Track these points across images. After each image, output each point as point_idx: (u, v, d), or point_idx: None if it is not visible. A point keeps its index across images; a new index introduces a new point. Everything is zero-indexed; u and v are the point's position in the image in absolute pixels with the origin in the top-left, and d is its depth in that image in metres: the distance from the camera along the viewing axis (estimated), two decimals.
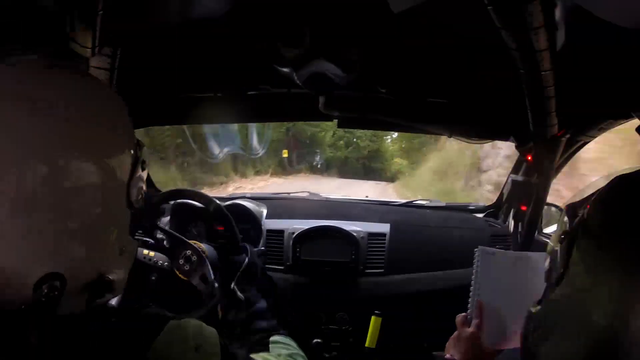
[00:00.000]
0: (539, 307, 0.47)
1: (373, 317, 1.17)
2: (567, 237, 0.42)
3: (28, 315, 0.40)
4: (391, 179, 14.49)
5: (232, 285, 0.92)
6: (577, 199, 0.45)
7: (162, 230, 1.16)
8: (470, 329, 0.77)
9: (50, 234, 0.41)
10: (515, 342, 0.77)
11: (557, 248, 0.44)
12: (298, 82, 1.01)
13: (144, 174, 0.50)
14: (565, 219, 0.44)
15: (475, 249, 0.86)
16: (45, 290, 0.41)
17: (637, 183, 0.40)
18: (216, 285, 1.11)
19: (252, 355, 0.58)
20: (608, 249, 0.38)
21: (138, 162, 0.49)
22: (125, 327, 0.48)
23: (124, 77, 0.96)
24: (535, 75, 0.83)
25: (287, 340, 0.75)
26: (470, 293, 0.82)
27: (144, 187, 0.51)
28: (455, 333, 0.79)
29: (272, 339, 0.73)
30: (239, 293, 0.91)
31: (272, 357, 0.64)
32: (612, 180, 0.41)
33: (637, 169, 0.41)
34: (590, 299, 0.38)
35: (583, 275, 0.40)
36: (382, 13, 0.81)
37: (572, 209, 0.44)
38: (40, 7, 0.76)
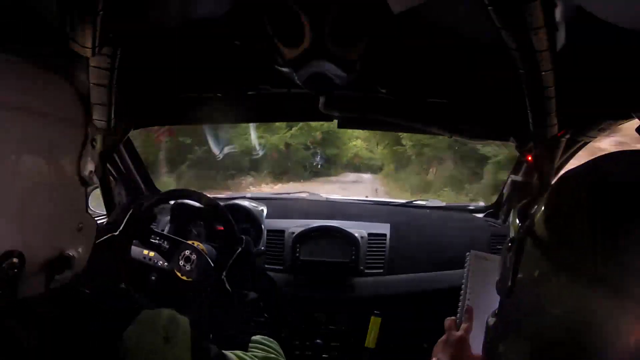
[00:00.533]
0: (494, 319, 0.46)
1: (373, 317, 1.17)
2: (515, 244, 0.40)
3: None
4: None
5: (223, 275, 0.91)
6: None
7: (158, 235, 1.16)
8: (459, 333, 0.77)
9: (5, 214, 0.42)
10: None
11: (506, 257, 0.42)
12: (298, 82, 1.01)
13: (95, 151, 0.52)
14: (517, 222, 0.43)
15: (467, 253, 0.86)
16: (5, 267, 0.41)
17: (577, 180, 0.38)
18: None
19: (226, 352, 0.59)
20: (553, 255, 0.36)
21: (87, 139, 0.50)
22: (97, 316, 0.49)
23: (124, 77, 0.96)
24: (535, 75, 0.83)
25: (269, 342, 0.75)
26: (460, 297, 0.82)
27: (96, 163, 0.52)
28: (444, 336, 0.79)
29: (253, 338, 0.72)
30: (227, 284, 0.91)
31: (246, 357, 0.64)
32: (556, 180, 0.40)
33: (582, 164, 0.39)
34: (539, 313, 0.36)
35: (532, 284, 0.38)
36: (382, 13, 0.81)
37: (523, 211, 0.43)
38: (40, 7, 0.76)
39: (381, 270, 1.41)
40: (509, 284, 0.41)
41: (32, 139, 0.44)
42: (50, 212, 0.46)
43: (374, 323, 1.16)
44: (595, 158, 0.40)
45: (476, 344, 0.77)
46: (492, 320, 0.47)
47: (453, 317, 0.81)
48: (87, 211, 0.52)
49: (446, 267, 1.43)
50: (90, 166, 0.51)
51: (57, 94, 0.49)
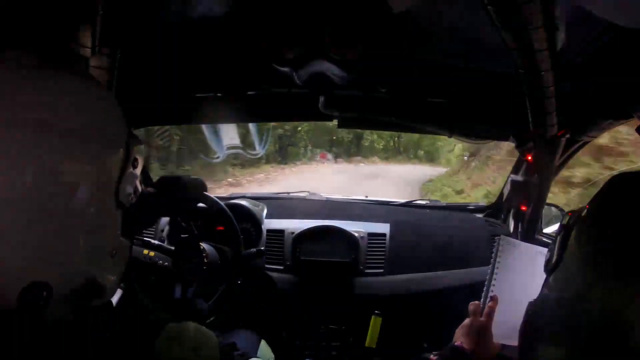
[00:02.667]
0: (536, 300, 0.49)
1: (373, 317, 1.17)
2: (564, 229, 0.44)
3: (13, 320, 0.39)
4: None
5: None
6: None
7: (177, 227, 1.17)
8: (483, 319, 0.76)
9: (34, 240, 0.40)
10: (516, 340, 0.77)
11: (556, 239, 0.46)
12: (298, 82, 1.01)
13: (137, 172, 0.48)
14: (567, 217, 0.46)
15: (497, 237, 0.84)
16: (30, 298, 0.39)
17: (633, 181, 0.41)
18: (204, 306, 1.12)
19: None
20: (603, 240, 0.39)
21: (129, 160, 0.47)
22: (126, 330, 0.47)
23: (124, 77, 0.96)
24: (535, 75, 0.83)
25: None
26: (486, 282, 0.81)
27: (138, 185, 0.49)
28: (467, 321, 0.78)
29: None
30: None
31: None
32: (611, 179, 0.42)
33: (637, 169, 0.42)
34: (584, 290, 0.39)
35: (576, 263, 0.41)
36: (382, 13, 0.81)
37: (572, 211, 0.47)
38: (40, 7, 0.76)
39: (381, 270, 1.41)
40: (556, 259, 0.45)
41: (69, 160, 0.41)
42: (84, 240, 0.43)
43: (375, 323, 1.16)
44: None
45: (497, 332, 0.76)
46: (531, 304, 0.50)
47: (477, 302, 0.80)
48: (121, 235, 0.49)
49: (446, 267, 1.43)
50: (129, 188, 0.47)
51: (96, 111, 0.45)
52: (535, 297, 0.51)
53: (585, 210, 0.43)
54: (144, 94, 1.18)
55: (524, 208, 1.36)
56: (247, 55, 1.04)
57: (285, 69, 0.98)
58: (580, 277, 0.40)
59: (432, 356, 0.71)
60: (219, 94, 1.23)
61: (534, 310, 0.48)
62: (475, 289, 1.39)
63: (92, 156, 0.43)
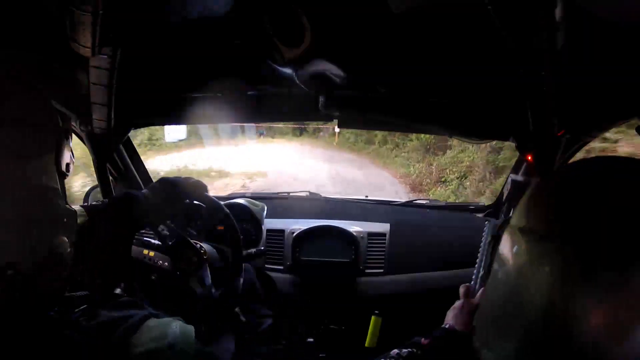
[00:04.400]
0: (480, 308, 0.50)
1: (373, 317, 1.17)
2: (493, 239, 0.45)
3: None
4: None
5: (237, 309, 0.90)
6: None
7: (168, 228, 1.16)
8: (474, 301, 0.77)
9: None
10: None
11: (486, 249, 0.47)
12: (298, 82, 1.01)
13: (70, 140, 0.51)
14: (490, 226, 0.47)
15: (487, 221, 0.85)
16: (4, 284, 0.40)
17: (557, 183, 0.43)
18: (213, 290, 1.11)
19: None
20: (530, 238, 0.40)
21: (62, 136, 0.49)
22: (105, 322, 0.48)
23: (124, 77, 0.96)
24: (535, 75, 0.83)
25: None
26: (476, 265, 0.82)
27: (72, 156, 0.51)
28: (457, 303, 0.79)
29: None
30: (242, 316, 0.90)
31: None
32: (535, 182, 0.45)
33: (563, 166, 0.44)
34: (517, 288, 0.40)
35: (507, 266, 0.43)
36: (382, 12, 0.81)
37: (496, 222, 0.49)
38: (40, 7, 0.76)
39: (381, 270, 1.41)
40: (487, 271, 0.46)
41: (7, 145, 0.43)
42: (35, 212, 0.45)
43: (375, 323, 1.16)
44: (577, 161, 0.43)
45: None
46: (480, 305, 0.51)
47: (468, 284, 0.80)
48: (66, 203, 0.50)
49: (446, 267, 1.43)
50: (67, 157, 0.50)
51: (25, 100, 0.47)
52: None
53: (512, 217, 0.44)
54: (144, 94, 1.18)
55: None
56: (247, 55, 1.04)
57: (285, 69, 0.98)
58: (512, 275, 0.41)
59: (423, 340, 0.70)
60: (219, 94, 1.23)
61: (477, 320, 0.49)
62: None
63: (24, 139, 0.45)
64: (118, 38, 0.86)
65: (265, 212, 1.47)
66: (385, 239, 1.44)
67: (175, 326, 0.53)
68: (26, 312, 0.43)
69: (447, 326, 0.75)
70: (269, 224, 1.47)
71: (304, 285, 1.41)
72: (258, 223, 1.44)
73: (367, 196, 1.87)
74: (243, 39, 0.97)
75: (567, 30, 0.75)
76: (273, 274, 1.40)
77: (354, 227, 1.44)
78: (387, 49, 0.97)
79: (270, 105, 1.32)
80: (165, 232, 1.14)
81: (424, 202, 1.79)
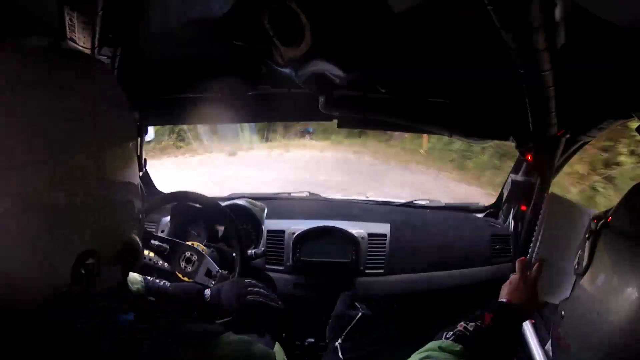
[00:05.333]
0: (567, 299, 0.51)
1: None
2: (592, 235, 0.47)
3: (68, 299, 0.40)
4: None
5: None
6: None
7: (157, 238, 1.16)
8: (532, 274, 0.77)
9: (77, 216, 0.41)
10: (561, 297, 0.74)
11: (585, 244, 0.49)
12: (298, 82, 1.01)
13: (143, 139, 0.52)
14: (592, 222, 0.50)
15: (546, 193, 0.84)
16: (85, 275, 0.41)
17: None
18: (224, 272, 1.11)
19: None
20: (631, 244, 0.42)
21: (142, 129, 0.50)
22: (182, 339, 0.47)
23: (124, 77, 0.96)
24: (535, 75, 0.83)
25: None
26: (533, 238, 0.81)
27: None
28: (513, 277, 0.79)
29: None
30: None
31: None
32: (633, 187, 0.45)
33: None
34: (615, 289, 0.41)
35: (607, 266, 0.44)
36: (383, 13, 0.81)
37: (596, 216, 0.50)
38: (40, 8, 0.76)
39: (381, 270, 1.41)
40: (586, 263, 0.47)
41: (91, 124, 0.43)
42: (118, 204, 0.46)
43: None
44: None
45: (540, 290, 0.76)
46: (563, 304, 0.52)
47: (524, 257, 0.80)
48: (141, 199, 0.52)
49: (446, 267, 1.43)
50: (143, 153, 0.52)
51: (104, 79, 0.48)
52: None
53: (611, 217, 0.45)
54: (144, 94, 1.18)
55: (524, 208, 1.36)
56: (247, 55, 1.04)
57: (285, 69, 0.98)
58: (611, 279, 0.42)
59: (487, 314, 0.71)
60: (219, 94, 1.23)
61: (566, 310, 0.50)
62: (476, 289, 1.41)
63: (113, 120, 0.46)
64: (118, 38, 0.86)
65: (265, 212, 1.47)
66: (385, 240, 1.44)
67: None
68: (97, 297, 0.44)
69: (504, 300, 0.75)
70: (269, 224, 1.47)
71: (304, 286, 1.41)
72: (258, 223, 1.44)
73: (367, 196, 1.87)
74: (243, 39, 0.97)
75: (567, 30, 0.75)
76: (273, 275, 1.40)
77: (354, 227, 1.43)
78: (387, 48, 0.97)
79: (270, 105, 1.32)
80: (158, 243, 1.15)
81: (424, 202, 1.79)
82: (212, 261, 1.13)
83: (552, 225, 0.80)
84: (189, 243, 1.17)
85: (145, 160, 0.52)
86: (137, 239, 0.49)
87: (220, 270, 1.12)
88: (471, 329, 0.68)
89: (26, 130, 0.38)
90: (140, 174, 0.51)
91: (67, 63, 0.44)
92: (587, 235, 0.48)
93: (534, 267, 0.78)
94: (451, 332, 0.68)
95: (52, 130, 0.39)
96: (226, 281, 1.01)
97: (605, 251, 0.45)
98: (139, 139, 0.50)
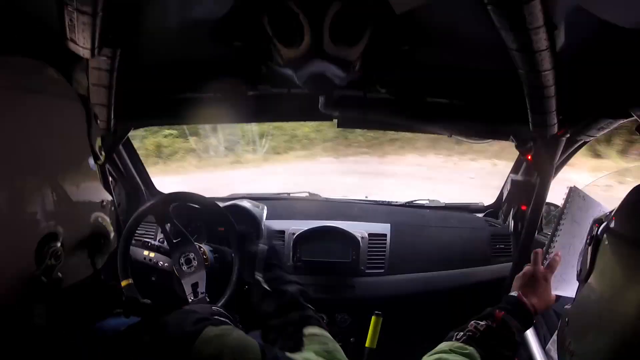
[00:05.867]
0: (570, 304, 0.51)
1: (373, 317, 1.16)
2: (593, 240, 0.46)
3: (34, 289, 0.39)
4: None
5: (257, 276, 0.88)
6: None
7: (175, 227, 1.16)
8: (545, 269, 0.76)
9: (35, 198, 0.41)
10: (572, 292, 0.78)
11: (587, 250, 0.48)
12: (298, 82, 1.01)
13: (98, 126, 0.53)
14: (594, 227, 0.49)
15: (568, 186, 0.84)
16: (48, 258, 0.41)
17: None
18: (207, 299, 1.10)
19: (290, 355, 0.56)
20: (633, 248, 0.41)
21: (91, 116, 0.50)
22: (162, 335, 0.46)
23: (123, 77, 0.96)
24: (535, 75, 0.83)
25: (320, 331, 0.72)
26: (552, 231, 0.81)
27: (99, 139, 0.53)
28: (527, 269, 0.77)
29: (305, 331, 0.69)
30: (263, 283, 0.87)
31: (312, 357, 0.61)
32: (631, 191, 0.45)
33: None
34: (622, 294, 0.41)
35: (612, 271, 0.43)
36: (382, 13, 0.81)
37: (596, 220, 0.49)
38: (40, 8, 0.76)
39: (382, 270, 1.41)
40: (588, 269, 0.47)
41: (44, 117, 0.44)
42: (75, 190, 0.46)
43: (375, 323, 1.15)
44: None
45: (554, 284, 0.76)
46: (568, 307, 0.51)
47: (540, 249, 0.79)
48: (104, 187, 0.52)
49: (446, 267, 1.43)
50: (98, 140, 0.51)
51: (47, 74, 0.48)
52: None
53: (613, 220, 0.45)
54: (144, 94, 1.18)
55: (524, 208, 1.36)
56: (247, 55, 1.04)
57: (285, 69, 0.98)
58: (615, 282, 0.42)
59: (497, 312, 0.70)
60: (219, 94, 1.23)
61: (570, 315, 0.49)
62: (476, 289, 1.41)
63: (59, 110, 0.47)
64: (118, 39, 0.85)
65: (265, 212, 1.47)
66: (385, 240, 1.44)
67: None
68: (66, 288, 0.43)
69: (516, 294, 0.74)
70: (270, 224, 1.47)
71: (305, 286, 1.40)
72: (258, 224, 1.44)
73: (367, 196, 1.86)
74: (243, 39, 0.97)
75: (567, 30, 0.75)
76: None
77: (355, 227, 1.43)
78: (387, 48, 0.97)
79: (270, 105, 1.32)
80: (172, 229, 1.14)
81: (424, 202, 1.79)
82: (205, 278, 1.14)
83: (570, 218, 0.80)
84: (199, 246, 1.17)
85: (100, 148, 0.52)
86: (106, 227, 0.49)
87: (205, 293, 1.12)
88: (482, 329, 0.67)
89: None
90: (99, 162, 0.51)
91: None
92: (588, 241, 0.48)
93: (550, 260, 0.77)
94: (462, 333, 0.67)
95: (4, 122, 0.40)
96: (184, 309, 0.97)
97: (607, 257, 0.44)
98: (89, 127, 0.50)
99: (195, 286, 1.13)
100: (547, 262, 0.78)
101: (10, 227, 0.39)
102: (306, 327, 0.71)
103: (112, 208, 0.53)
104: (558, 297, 0.77)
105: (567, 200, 0.81)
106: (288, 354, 0.56)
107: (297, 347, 0.64)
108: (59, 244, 0.42)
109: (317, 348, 0.65)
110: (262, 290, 0.83)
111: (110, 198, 0.52)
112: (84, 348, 0.42)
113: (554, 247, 0.79)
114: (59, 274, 0.42)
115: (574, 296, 0.74)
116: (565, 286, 0.77)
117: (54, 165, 0.44)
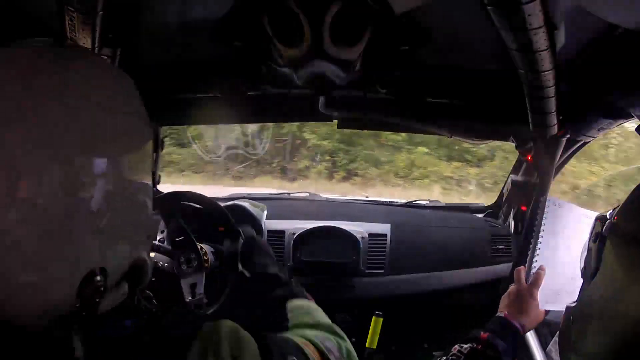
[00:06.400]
0: (575, 302, 0.50)
1: (374, 317, 1.16)
2: (600, 237, 0.46)
3: (72, 321, 0.38)
4: None
5: (240, 268, 0.88)
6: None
7: (178, 226, 1.16)
8: (529, 286, 0.75)
9: (86, 234, 0.39)
10: (564, 304, 0.77)
11: (592, 247, 0.48)
12: (298, 82, 1.01)
13: (160, 153, 0.50)
14: (597, 223, 0.48)
15: (547, 198, 0.83)
16: (91, 291, 0.39)
17: None
18: (205, 300, 1.10)
19: (295, 339, 0.56)
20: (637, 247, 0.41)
21: (158, 143, 0.48)
22: (159, 337, 0.45)
23: None
24: (535, 75, 0.83)
25: (304, 302, 0.71)
26: (531, 246, 0.80)
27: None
28: (512, 288, 0.77)
29: (289, 305, 0.69)
30: (246, 273, 0.87)
31: (310, 334, 0.60)
32: (637, 186, 0.44)
33: None
34: (624, 294, 0.40)
35: (615, 270, 0.42)
36: (382, 14, 0.81)
37: (601, 217, 0.48)
38: (40, 8, 0.76)
39: (382, 271, 1.41)
40: (595, 266, 0.46)
41: (112, 136, 0.40)
42: (131, 222, 0.43)
43: (376, 323, 1.15)
44: None
45: (541, 298, 0.75)
46: (572, 305, 0.50)
47: (522, 267, 0.78)
48: (153, 217, 0.49)
49: (446, 267, 1.43)
50: (158, 168, 0.49)
51: (123, 89, 0.45)
52: (577, 262, 0.53)
53: (617, 217, 0.44)
54: (144, 95, 1.18)
55: (524, 208, 1.36)
56: (247, 55, 1.04)
57: (285, 69, 0.98)
58: (621, 282, 0.41)
59: (482, 333, 0.69)
60: (219, 95, 1.23)
61: (574, 314, 0.49)
62: (476, 289, 1.41)
63: (131, 147, 0.43)
64: (118, 38, 0.85)
65: (265, 213, 1.47)
66: (386, 240, 1.44)
67: None
68: (98, 319, 0.41)
69: (502, 315, 0.74)
70: (270, 224, 1.46)
71: (305, 286, 1.40)
72: (258, 224, 1.43)
73: (367, 196, 1.86)
74: (243, 39, 0.97)
75: (567, 30, 0.75)
76: None
77: (355, 227, 1.43)
78: (387, 48, 0.97)
79: (270, 106, 1.32)
80: (175, 226, 1.14)
81: (424, 202, 1.79)
82: (203, 280, 1.13)
83: (550, 231, 0.79)
84: (200, 247, 1.17)
85: (159, 176, 0.49)
86: (146, 258, 0.46)
87: (202, 295, 1.12)
88: (466, 352, 0.66)
89: (37, 134, 0.36)
90: (155, 189, 0.49)
91: (83, 68, 0.42)
92: (592, 238, 0.47)
93: (534, 275, 0.76)
94: (445, 358, 0.67)
95: (68, 137, 0.37)
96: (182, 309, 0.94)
97: (614, 254, 0.44)
98: (154, 154, 0.47)
99: (193, 286, 1.12)
100: (531, 278, 0.77)
101: (59, 258, 0.38)
102: (290, 300, 0.71)
103: (156, 233, 0.51)
104: (547, 312, 0.77)
105: (543, 212, 0.80)
106: (279, 335, 0.56)
107: (283, 323, 0.64)
108: (101, 279, 0.40)
109: (303, 320, 0.65)
110: (245, 279, 0.83)
111: (155, 227, 0.50)
112: (83, 348, 0.42)
113: (537, 261, 0.78)
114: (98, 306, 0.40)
115: (564, 309, 0.75)
116: (555, 299, 0.76)
117: (119, 192, 0.41)
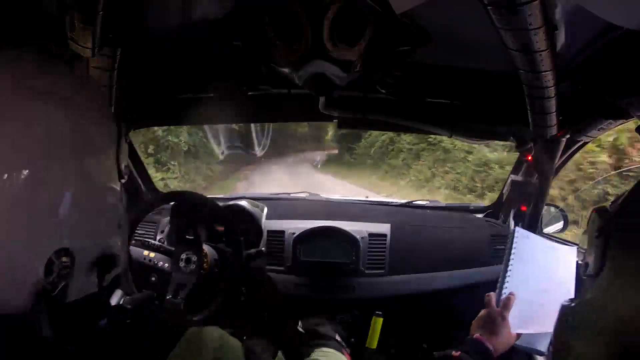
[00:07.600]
0: (573, 303, 0.49)
1: (374, 318, 1.16)
2: (602, 233, 0.45)
3: (41, 300, 0.40)
4: None
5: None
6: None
7: (191, 226, 1.17)
8: (499, 310, 0.78)
9: (54, 212, 0.41)
10: (534, 329, 0.78)
11: (594, 243, 0.46)
12: (298, 82, 1.01)
13: (126, 146, 0.52)
14: (597, 218, 0.47)
15: (514, 228, 0.86)
16: (57, 271, 0.40)
17: None
18: (182, 307, 1.10)
19: None
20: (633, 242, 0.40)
21: (122, 135, 0.50)
22: (142, 336, 0.47)
23: (123, 77, 0.96)
24: (535, 75, 0.83)
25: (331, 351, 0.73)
26: (501, 272, 0.83)
27: (127, 159, 0.53)
28: (483, 312, 0.79)
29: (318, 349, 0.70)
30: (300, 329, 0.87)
31: None
32: (637, 182, 0.44)
33: None
34: (628, 296, 0.40)
35: (624, 267, 0.41)
36: (383, 13, 0.81)
37: (600, 210, 0.47)
38: (40, 8, 0.76)
39: (382, 271, 1.41)
40: (600, 264, 0.45)
41: (74, 130, 0.43)
42: (96, 209, 0.45)
43: (375, 323, 1.15)
44: None
45: (513, 322, 0.77)
46: (571, 303, 0.50)
47: (493, 292, 0.81)
48: (123, 207, 0.51)
49: (447, 267, 1.43)
50: (124, 159, 0.51)
51: (83, 83, 0.48)
52: (548, 290, 0.51)
53: (620, 211, 0.44)
54: (144, 94, 1.18)
55: (524, 208, 1.36)
56: (247, 55, 1.04)
57: (285, 69, 0.98)
58: (629, 278, 0.40)
59: (454, 352, 0.71)
60: (219, 95, 1.23)
61: (571, 311, 0.48)
62: (476, 290, 1.41)
63: (91, 124, 0.46)
64: (118, 38, 0.85)
65: (265, 212, 1.47)
66: (385, 240, 1.44)
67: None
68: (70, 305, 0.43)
69: (475, 336, 0.76)
70: (269, 224, 1.47)
71: (305, 286, 1.40)
72: (258, 224, 1.44)
73: (367, 197, 1.86)
74: (243, 39, 0.97)
75: (567, 30, 0.75)
76: (273, 275, 1.40)
77: (355, 227, 1.43)
78: (387, 48, 0.97)
79: (270, 106, 1.32)
80: (182, 224, 1.14)
81: (424, 202, 1.79)
82: (191, 286, 1.14)
83: (519, 259, 0.83)
84: (205, 252, 1.17)
85: (126, 167, 0.51)
86: (118, 246, 0.48)
87: (182, 301, 1.11)
88: None
89: (15, 133, 0.38)
90: (122, 181, 0.50)
91: (56, 69, 0.45)
92: (596, 234, 0.46)
93: (504, 300, 0.78)
94: None
95: (37, 134, 0.40)
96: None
97: (621, 250, 0.42)
98: (118, 146, 0.49)
99: (179, 287, 1.12)
100: (502, 302, 0.79)
101: (27, 234, 0.39)
102: (321, 347, 0.72)
103: (127, 227, 0.53)
104: (519, 335, 0.79)
105: (512, 242, 0.84)
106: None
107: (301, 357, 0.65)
108: (66, 259, 0.41)
109: None
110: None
111: (125, 219, 0.52)
112: (52, 329, 0.42)
113: (507, 287, 0.81)
114: (66, 289, 0.42)
115: (534, 332, 0.75)
116: (527, 324, 0.79)
117: (81, 180, 0.43)
